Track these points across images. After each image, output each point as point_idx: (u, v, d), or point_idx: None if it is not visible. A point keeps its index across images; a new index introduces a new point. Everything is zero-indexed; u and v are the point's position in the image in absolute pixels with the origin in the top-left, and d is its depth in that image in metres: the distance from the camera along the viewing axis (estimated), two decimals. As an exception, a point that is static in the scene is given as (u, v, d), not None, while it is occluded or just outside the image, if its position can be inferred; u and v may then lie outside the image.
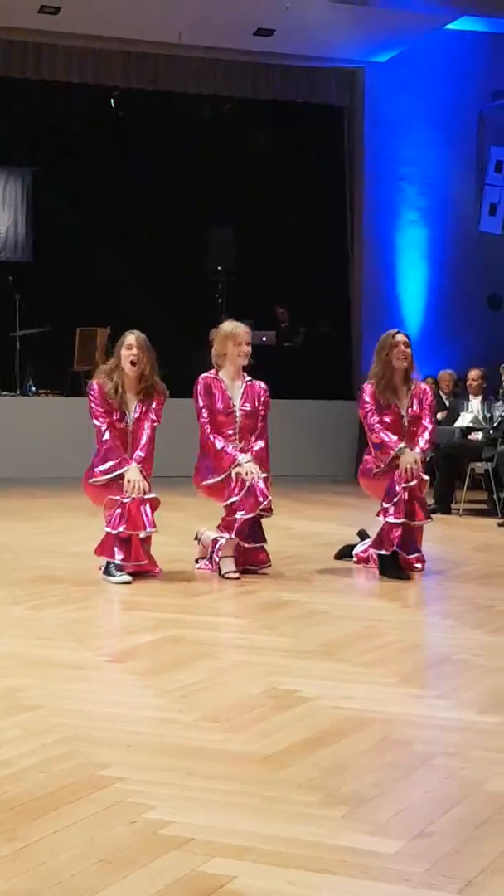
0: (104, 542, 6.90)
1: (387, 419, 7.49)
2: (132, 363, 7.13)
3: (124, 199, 16.13)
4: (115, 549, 6.82)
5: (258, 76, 16.57)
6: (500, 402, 12.28)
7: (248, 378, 7.47)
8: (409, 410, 7.57)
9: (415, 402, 7.58)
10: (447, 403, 13.66)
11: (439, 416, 13.38)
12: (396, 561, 7.21)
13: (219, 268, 15.73)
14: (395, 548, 7.16)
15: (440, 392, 14.19)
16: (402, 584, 7.01)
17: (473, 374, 12.45)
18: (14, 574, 7.08)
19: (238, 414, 7.34)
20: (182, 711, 4.01)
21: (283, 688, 4.35)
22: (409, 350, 7.62)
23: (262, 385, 7.47)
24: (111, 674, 4.62)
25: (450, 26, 15.96)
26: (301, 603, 6.24)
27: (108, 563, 6.83)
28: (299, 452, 15.39)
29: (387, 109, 16.93)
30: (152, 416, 7.19)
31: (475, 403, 12.30)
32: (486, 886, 2.63)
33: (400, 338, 7.61)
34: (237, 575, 6.99)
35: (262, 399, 7.43)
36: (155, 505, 6.95)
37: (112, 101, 16.70)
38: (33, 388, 15.77)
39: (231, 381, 7.40)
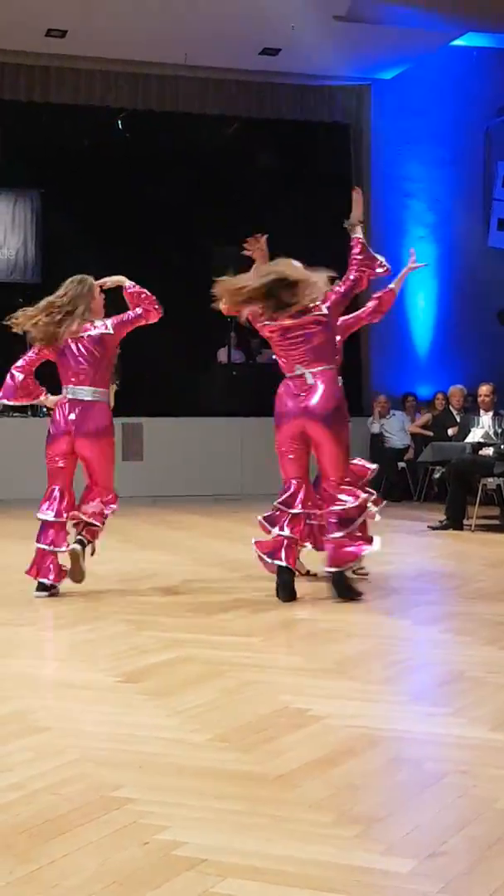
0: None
1: None
2: None
3: (131, 220, 16.16)
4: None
5: (264, 95, 16.63)
6: (511, 417, 12.28)
7: None
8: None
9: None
10: (458, 419, 13.66)
11: (450, 431, 13.41)
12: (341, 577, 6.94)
13: (226, 287, 15.77)
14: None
15: (451, 408, 14.20)
16: (412, 601, 6.99)
17: (484, 389, 12.45)
18: (24, 595, 7.08)
19: None
20: (193, 731, 4.00)
21: (295, 707, 4.34)
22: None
23: None
24: (122, 694, 4.61)
25: (455, 42, 16.00)
26: (313, 621, 6.23)
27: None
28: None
29: (393, 126, 16.96)
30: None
31: (486, 419, 12.29)
32: (499, 905, 2.62)
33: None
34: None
35: None
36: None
37: (119, 122, 16.77)
38: (45, 410, 15.78)
39: None
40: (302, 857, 2.89)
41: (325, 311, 7.07)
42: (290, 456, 7.03)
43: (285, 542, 6.89)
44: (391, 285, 8.12)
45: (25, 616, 6.32)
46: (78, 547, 7.13)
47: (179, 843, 2.97)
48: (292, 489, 7.00)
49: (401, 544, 9.93)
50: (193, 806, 3.26)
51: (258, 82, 16.43)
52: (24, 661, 5.21)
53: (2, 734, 3.97)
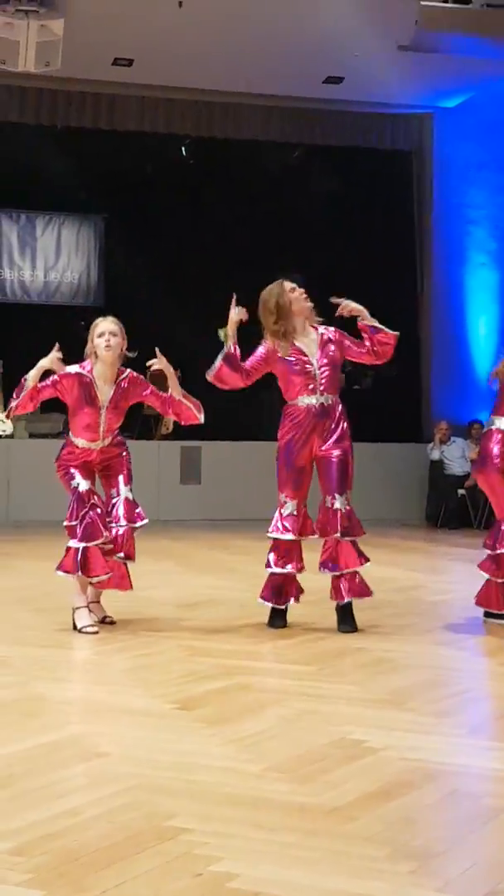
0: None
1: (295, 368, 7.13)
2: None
3: (194, 246, 16.28)
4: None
5: (328, 123, 16.68)
6: None
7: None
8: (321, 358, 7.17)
9: (330, 347, 7.18)
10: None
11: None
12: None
13: (288, 313, 15.80)
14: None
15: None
16: (470, 631, 6.93)
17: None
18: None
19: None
20: (249, 761, 3.98)
21: (351, 738, 4.31)
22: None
23: None
24: (178, 721, 4.59)
25: (519, 71, 15.96)
26: (369, 650, 6.19)
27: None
28: (368, 496, 15.28)
29: (456, 154, 16.94)
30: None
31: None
32: None
33: (288, 284, 7.27)
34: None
35: None
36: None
37: (183, 149, 16.91)
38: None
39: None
40: (356, 891, 2.85)
41: None
42: None
43: None
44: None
45: (81, 640, 6.33)
46: None
47: (233, 874, 2.94)
48: None
49: (459, 573, 9.86)
50: (248, 837, 3.23)
51: (321, 110, 16.48)
52: (79, 685, 5.21)
53: (57, 759, 3.97)
